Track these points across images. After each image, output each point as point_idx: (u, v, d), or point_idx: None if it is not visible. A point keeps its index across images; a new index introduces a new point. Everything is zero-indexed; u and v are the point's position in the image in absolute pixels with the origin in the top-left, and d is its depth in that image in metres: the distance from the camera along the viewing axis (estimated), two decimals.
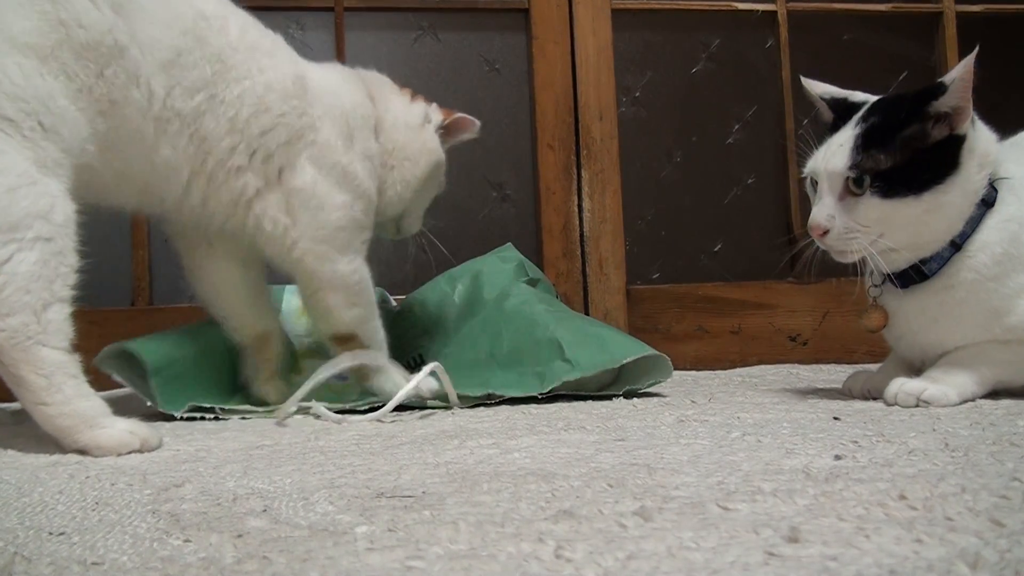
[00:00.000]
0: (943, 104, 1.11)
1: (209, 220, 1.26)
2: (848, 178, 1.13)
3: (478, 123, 1.52)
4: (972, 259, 1.14)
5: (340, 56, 1.94)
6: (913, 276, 1.17)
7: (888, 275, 1.17)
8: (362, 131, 1.36)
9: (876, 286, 1.22)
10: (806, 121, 2.11)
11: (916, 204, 1.12)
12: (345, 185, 1.30)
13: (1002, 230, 1.14)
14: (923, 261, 1.15)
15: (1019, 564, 0.46)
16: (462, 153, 2.02)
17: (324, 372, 1.22)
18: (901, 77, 2.18)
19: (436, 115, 1.47)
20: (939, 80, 1.13)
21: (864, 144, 1.13)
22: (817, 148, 1.20)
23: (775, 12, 2.10)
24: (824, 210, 1.14)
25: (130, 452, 0.96)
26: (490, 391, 1.30)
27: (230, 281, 1.37)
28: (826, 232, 1.14)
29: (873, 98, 1.21)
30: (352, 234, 1.31)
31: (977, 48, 1.11)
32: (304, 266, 1.28)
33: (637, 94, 2.10)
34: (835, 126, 1.20)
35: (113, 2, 1.07)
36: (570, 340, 1.33)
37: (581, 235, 1.98)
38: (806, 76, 1.32)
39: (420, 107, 1.46)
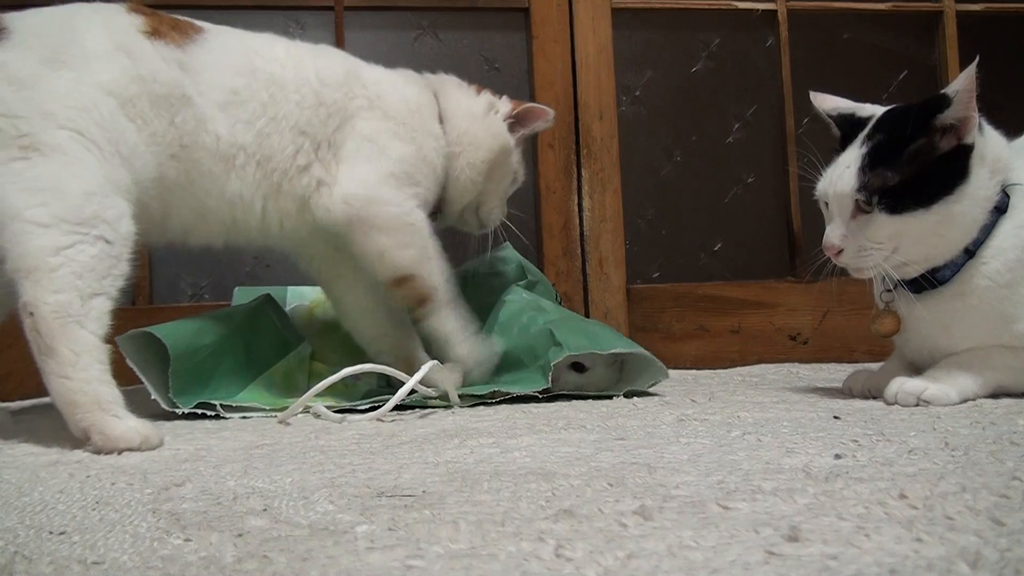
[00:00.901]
0: (948, 117, 1.11)
1: (295, 238, 1.35)
2: (857, 199, 1.13)
3: (551, 112, 1.55)
4: (986, 266, 1.13)
5: None
6: (926, 283, 1.16)
7: (900, 282, 1.17)
8: (430, 119, 1.42)
9: (888, 291, 1.21)
10: (806, 120, 2.11)
11: (927, 217, 1.11)
12: (403, 142, 1.36)
13: (1016, 236, 1.13)
14: (936, 269, 1.15)
15: (1019, 563, 0.46)
16: None
17: (339, 375, 1.21)
18: (901, 76, 2.18)
19: (504, 106, 1.52)
20: (942, 92, 1.12)
21: (871, 163, 1.13)
22: (824, 168, 1.20)
23: (775, 11, 2.10)
24: (837, 230, 1.15)
25: (128, 448, 0.97)
26: (495, 388, 1.31)
27: (369, 310, 1.44)
28: (840, 251, 1.15)
29: (881, 110, 1.20)
30: (405, 181, 1.34)
31: (978, 58, 1.10)
32: (352, 209, 1.30)
33: (637, 93, 2.10)
34: (843, 143, 1.20)
35: (179, 61, 1.22)
36: (562, 328, 1.35)
37: (581, 234, 1.98)
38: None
39: (485, 98, 1.51)
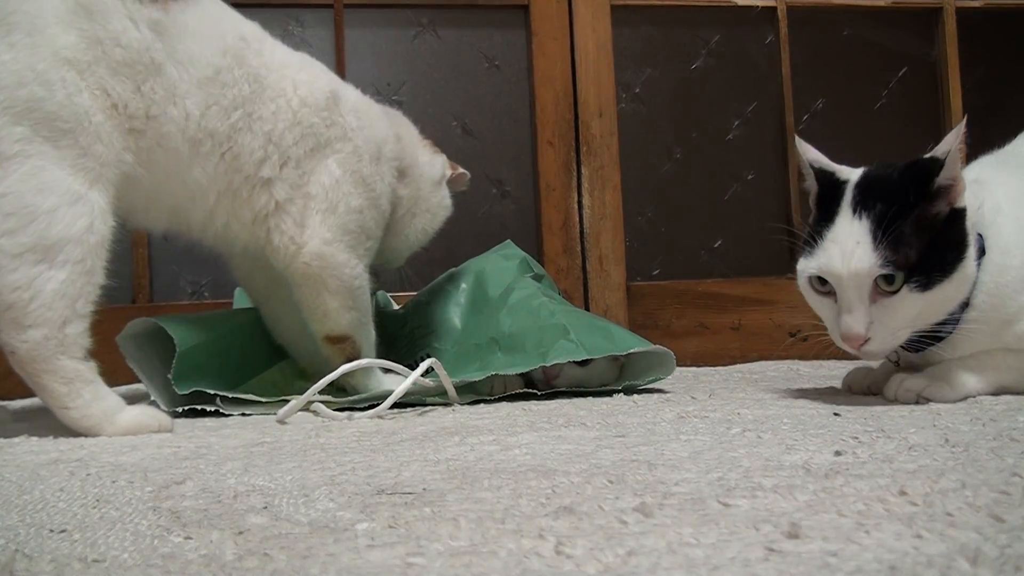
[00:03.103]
0: (943, 179, 1.05)
1: (232, 242, 1.30)
2: (878, 277, 1.04)
3: (469, 175, 1.60)
4: (982, 311, 1.10)
5: (339, 53, 1.94)
6: (926, 343, 1.11)
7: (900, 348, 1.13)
8: (388, 162, 1.40)
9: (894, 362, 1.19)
10: (806, 117, 2.11)
11: (948, 286, 1.05)
12: (364, 192, 1.33)
13: (999, 273, 1.10)
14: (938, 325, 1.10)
15: (1019, 560, 0.46)
16: (462, 149, 2.02)
17: (327, 379, 1.22)
18: (901, 72, 2.18)
19: (447, 169, 1.53)
20: (930, 155, 1.06)
21: (885, 237, 1.03)
22: (817, 240, 1.09)
23: (775, 7, 2.10)
24: (860, 318, 1.05)
25: (149, 432, 1.07)
26: (492, 372, 1.30)
27: (291, 317, 1.40)
28: (866, 341, 1.05)
29: (854, 175, 1.12)
30: (359, 239, 1.33)
31: (966, 118, 1.05)
32: (310, 269, 1.28)
33: (637, 90, 2.10)
34: (820, 202, 1.13)
35: (152, 22, 1.11)
36: (576, 326, 1.34)
37: (581, 231, 1.98)
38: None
39: (440, 161, 1.52)
